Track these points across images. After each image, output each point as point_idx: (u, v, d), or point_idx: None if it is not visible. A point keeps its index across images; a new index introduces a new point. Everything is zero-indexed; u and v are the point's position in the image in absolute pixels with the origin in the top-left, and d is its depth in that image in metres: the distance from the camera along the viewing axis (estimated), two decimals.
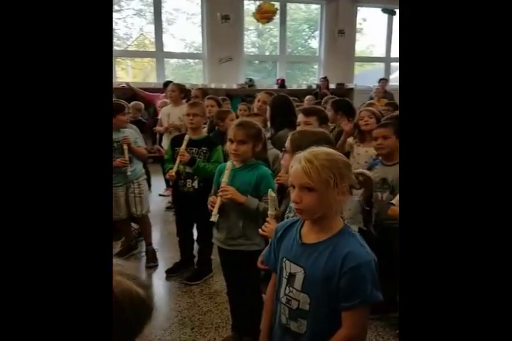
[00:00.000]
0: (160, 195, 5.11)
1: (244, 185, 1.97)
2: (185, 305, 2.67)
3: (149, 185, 4.94)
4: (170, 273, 3.02)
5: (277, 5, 7.94)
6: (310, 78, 8.90)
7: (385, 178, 2.39)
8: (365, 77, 8.95)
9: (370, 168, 2.61)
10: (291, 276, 1.15)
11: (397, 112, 3.51)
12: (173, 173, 2.78)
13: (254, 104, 3.70)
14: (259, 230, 1.65)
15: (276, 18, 7.85)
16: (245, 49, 8.49)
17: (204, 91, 4.71)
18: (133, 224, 3.53)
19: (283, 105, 2.85)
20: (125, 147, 3.00)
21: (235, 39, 7.74)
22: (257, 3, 7.36)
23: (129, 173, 3.04)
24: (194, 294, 2.79)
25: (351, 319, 1.05)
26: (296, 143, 1.58)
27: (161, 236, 3.88)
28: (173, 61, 8.45)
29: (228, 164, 2.00)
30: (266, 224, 1.61)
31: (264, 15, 6.71)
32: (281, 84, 7.88)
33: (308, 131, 1.71)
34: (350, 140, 3.06)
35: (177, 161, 2.82)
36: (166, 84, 6.38)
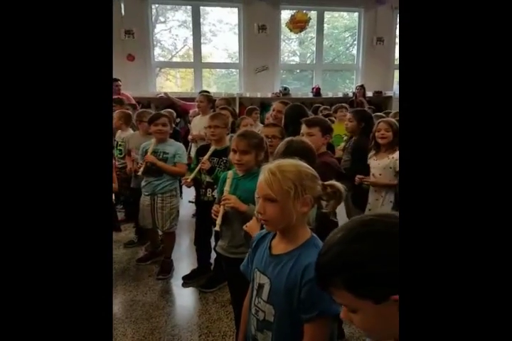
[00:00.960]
0: (189, 201, 5.22)
1: (247, 193, 1.98)
2: (197, 312, 2.70)
3: (181, 193, 5.10)
4: (187, 280, 3.07)
5: (314, 13, 8.00)
6: (350, 86, 8.79)
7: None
8: None
9: None
10: (260, 287, 1.15)
11: None
12: (189, 180, 2.85)
13: (269, 114, 3.72)
14: (244, 226, 1.68)
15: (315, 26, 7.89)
16: (286, 57, 8.57)
17: (227, 101, 4.71)
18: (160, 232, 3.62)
19: (297, 114, 2.84)
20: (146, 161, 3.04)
21: (271, 48, 7.81)
22: (293, 12, 7.40)
23: (143, 183, 3.11)
24: (207, 301, 2.82)
25: (311, 331, 1.04)
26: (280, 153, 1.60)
27: (184, 243, 3.96)
28: (216, 71, 8.71)
29: (229, 173, 2.03)
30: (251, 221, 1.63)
31: (297, 24, 6.75)
32: (317, 92, 7.84)
33: (296, 140, 1.72)
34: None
35: (196, 169, 2.90)
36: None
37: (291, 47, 9.22)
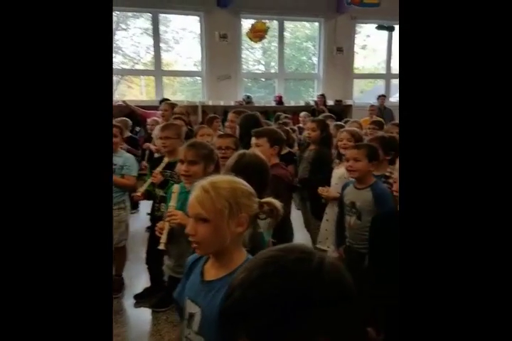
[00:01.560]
0: (148, 213, 5.04)
1: None
2: (147, 332, 2.56)
3: (136, 205, 4.91)
4: (138, 299, 2.92)
5: (275, 23, 8.04)
6: (312, 95, 8.87)
7: (354, 202, 2.30)
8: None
9: (343, 189, 2.53)
10: (191, 317, 1.06)
11: (379, 133, 3.38)
12: (139, 193, 2.71)
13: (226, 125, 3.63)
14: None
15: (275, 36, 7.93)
16: (251, 66, 8.55)
17: (172, 107, 4.40)
18: None
19: (251, 124, 2.77)
20: None
21: (233, 57, 7.78)
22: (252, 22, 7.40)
23: None
24: (159, 321, 2.68)
25: None
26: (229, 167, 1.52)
27: (138, 258, 3.79)
28: (181, 79, 8.56)
29: (175, 187, 1.93)
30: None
31: (257, 33, 6.75)
32: (279, 101, 7.85)
33: (248, 154, 1.65)
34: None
35: (147, 182, 2.77)
36: (161, 101, 6.47)
37: (256, 56, 9.24)
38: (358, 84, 9.34)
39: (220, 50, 7.62)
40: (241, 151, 1.75)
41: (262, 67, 9.16)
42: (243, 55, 8.27)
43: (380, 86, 9.29)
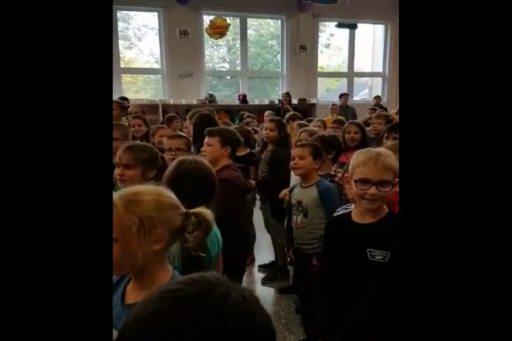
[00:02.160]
0: None
1: None
2: None
3: None
4: None
5: (237, 20, 7.93)
6: (277, 94, 8.83)
7: (300, 201, 2.28)
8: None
9: (291, 191, 2.48)
10: None
11: (321, 132, 3.34)
12: None
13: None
14: None
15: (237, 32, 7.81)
16: (216, 64, 8.40)
17: (121, 106, 4.14)
18: None
19: (204, 124, 2.66)
20: None
21: (195, 54, 7.61)
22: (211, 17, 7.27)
23: None
24: None
25: None
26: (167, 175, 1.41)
27: None
28: (144, 76, 8.31)
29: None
30: None
31: (216, 30, 6.62)
32: (243, 99, 7.75)
33: (188, 161, 1.54)
34: None
35: None
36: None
37: (220, 54, 9.10)
38: (325, 83, 9.39)
39: (181, 47, 7.43)
40: (181, 158, 1.63)
41: (227, 65, 9.04)
42: (207, 53, 8.12)
43: (345, 84, 9.39)
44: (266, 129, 3.24)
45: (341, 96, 7.68)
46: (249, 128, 3.50)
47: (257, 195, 3.48)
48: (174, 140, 2.47)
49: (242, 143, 2.41)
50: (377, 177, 1.39)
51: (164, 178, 1.51)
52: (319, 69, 8.92)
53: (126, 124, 3.10)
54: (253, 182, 3.29)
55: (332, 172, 2.55)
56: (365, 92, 9.63)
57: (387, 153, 1.49)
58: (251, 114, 6.15)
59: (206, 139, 2.14)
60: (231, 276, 2.13)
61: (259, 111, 7.30)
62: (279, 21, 8.28)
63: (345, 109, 7.50)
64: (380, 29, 8.90)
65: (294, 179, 2.79)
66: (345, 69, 9.02)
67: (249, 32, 9.05)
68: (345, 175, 1.50)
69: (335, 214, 1.85)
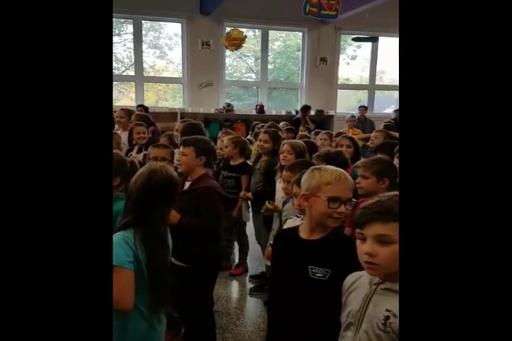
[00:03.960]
0: None
1: None
2: None
3: None
4: None
5: (258, 32, 8.05)
6: (295, 105, 8.84)
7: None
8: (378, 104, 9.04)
9: (284, 204, 2.47)
10: None
11: (327, 148, 3.30)
12: None
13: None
14: None
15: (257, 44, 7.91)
16: (242, 74, 8.55)
17: (129, 112, 4.26)
18: None
19: (192, 133, 2.71)
20: None
21: (215, 65, 7.76)
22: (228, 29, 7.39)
23: None
24: None
25: None
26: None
27: None
28: (173, 85, 8.50)
29: None
30: None
31: (233, 42, 6.73)
32: (260, 109, 7.81)
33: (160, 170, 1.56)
34: None
35: None
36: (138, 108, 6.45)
37: (248, 64, 9.22)
38: (356, 95, 9.29)
39: (203, 58, 7.60)
40: (152, 167, 1.63)
41: (253, 76, 9.09)
42: (234, 63, 8.24)
43: (380, 96, 9.29)
44: (260, 141, 3.27)
45: (359, 108, 7.61)
46: (245, 138, 3.53)
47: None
48: (160, 149, 2.53)
49: (215, 153, 2.42)
50: (346, 195, 1.41)
51: (132, 184, 1.51)
52: (344, 81, 8.90)
53: (117, 133, 3.19)
54: (249, 194, 3.32)
55: None
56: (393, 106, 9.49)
57: (343, 170, 1.49)
58: (264, 124, 6.19)
59: (181, 149, 2.18)
60: (203, 284, 2.15)
61: (276, 121, 7.32)
62: (300, 33, 8.32)
63: (363, 121, 7.43)
64: None
65: (280, 191, 2.79)
66: (379, 81, 8.95)
67: (276, 43, 9.19)
68: (303, 192, 1.48)
69: (287, 221, 1.84)
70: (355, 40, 8.09)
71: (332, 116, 7.96)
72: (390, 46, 8.93)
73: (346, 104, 8.96)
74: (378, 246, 1.03)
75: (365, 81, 9.07)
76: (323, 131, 4.65)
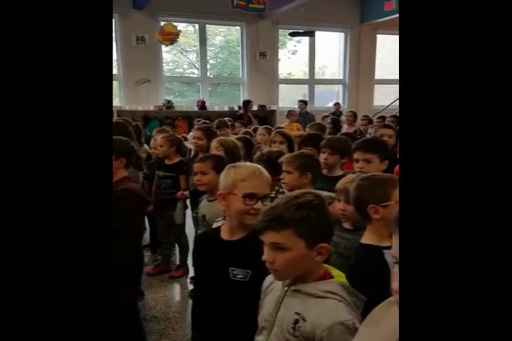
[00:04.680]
0: None
1: None
2: None
3: None
4: None
5: (197, 26, 7.90)
6: (237, 100, 8.78)
7: (205, 215, 2.21)
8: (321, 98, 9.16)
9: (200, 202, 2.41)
10: None
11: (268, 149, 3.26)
12: None
13: None
14: None
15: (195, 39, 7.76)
16: (185, 70, 8.36)
17: None
18: None
19: (117, 132, 2.56)
20: None
21: (153, 60, 7.52)
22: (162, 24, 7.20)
23: None
24: None
25: None
26: None
27: None
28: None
29: None
30: None
31: (166, 37, 6.55)
32: (202, 105, 7.69)
33: None
34: None
35: None
36: None
37: (190, 60, 9.00)
38: (301, 89, 9.37)
39: (138, 53, 7.33)
40: None
41: (196, 71, 8.89)
42: (175, 58, 8.02)
43: (322, 90, 9.45)
44: (194, 138, 3.17)
45: (299, 102, 7.70)
46: (180, 136, 3.43)
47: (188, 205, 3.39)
48: None
49: (136, 152, 2.31)
50: (263, 191, 1.37)
51: None
52: (287, 76, 8.95)
53: None
54: (186, 192, 3.22)
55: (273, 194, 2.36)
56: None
57: (258, 166, 1.45)
58: (206, 121, 6.09)
59: None
60: (123, 289, 2.04)
61: (218, 117, 7.23)
62: (238, 28, 8.26)
63: (304, 115, 7.52)
64: (341, 36, 8.99)
65: None
66: (322, 76, 9.09)
67: (218, 38, 9.06)
68: (219, 191, 1.43)
69: (214, 224, 1.79)
70: (292, 34, 8.16)
71: (274, 110, 7.99)
72: (329, 41, 9.12)
73: (291, 98, 9.05)
74: (275, 252, 1.02)
75: (322, 75, 9.22)
76: (261, 127, 4.63)
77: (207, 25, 8.13)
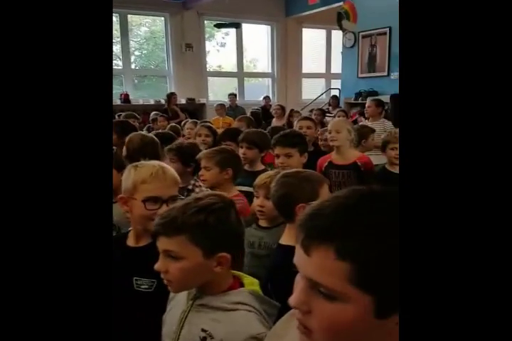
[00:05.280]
0: None
1: None
2: None
3: None
4: None
5: (117, 16, 7.46)
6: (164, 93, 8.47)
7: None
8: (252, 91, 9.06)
9: None
10: None
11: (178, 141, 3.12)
12: None
13: None
14: None
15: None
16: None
17: None
18: None
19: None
20: None
21: None
22: None
23: None
24: None
25: None
26: None
27: None
28: None
29: None
30: None
31: None
32: (125, 98, 7.31)
33: None
34: None
35: None
36: None
37: (114, 51, 8.47)
38: (232, 82, 9.20)
39: None
40: None
41: (120, 63, 8.39)
42: None
43: (254, 84, 9.38)
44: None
45: (229, 96, 7.61)
46: None
47: None
48: None
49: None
50: (167, 193, 1.24)
51: None
52: (216, 69, 8.79)
53: None
54: None
55: (190, 187, 2.17)
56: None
57: (164, 164, 1.33)
58: (134, 113, 5.78)
59: None
60: None
61: (144, 111, 6.93)
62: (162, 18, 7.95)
63: (234, 108, 7.44)
64: (268, 30, 9.00)
65: None
66: (253, 69, 9.01)
67: (142, 29, 8.63)
68: (120, 195, 1.29)
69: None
70: (217, 26, 8.01)
71: (203, 104, 7.82)
72: (258, 34, 9.08)
73: (224, 92, 8.88)
74: (168, 261, 0.92)
75: (254, 68, 9.14)
76: (190, 120, 4.49)
77: (129, 16, 7.73)
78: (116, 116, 5.69)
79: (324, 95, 8.77)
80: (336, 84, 8.33)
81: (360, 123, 3.91)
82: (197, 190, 2.13)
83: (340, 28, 6.82)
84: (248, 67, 9.30)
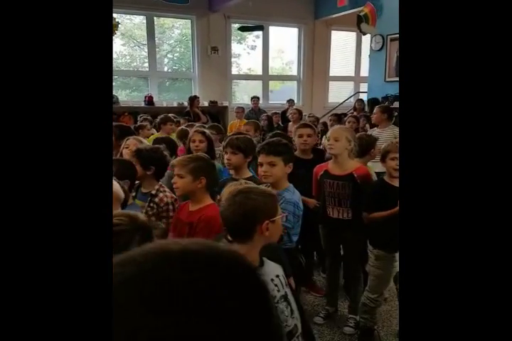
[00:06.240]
0: None
1: None
2: None
3: None
4: None
5: (144, 19, 7.57)
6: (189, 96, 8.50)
7: None
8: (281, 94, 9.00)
9: None
10: None
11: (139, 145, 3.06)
12: None
13: None
14: None
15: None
16: (138, 64, 8.05)
17: None
18: None
19: None
20: None
21: None
22: None
23: None
24: None
25: None
26: None
27: None
28: None
29: None
30: None
31: None
32: (149, 101, 7.38)
33: None
34: None
35: None
36: None
37: (144, 54, 8.64)
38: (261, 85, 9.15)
39: None
40: None
41: (146, 65, 8.52)
42: (125, 53, 7.68)
43: (287, 86, 9.29)
44: None
45: (252, 99, 7.53)
46: None
47: None
48: None
49: None
50: None
51: None
52: (247, 72, 8.75)
53: None
54: None
55: (153, 192, 2.15)
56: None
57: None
58: (148, 117, 5.83)
59: None
60: None
61: (168, 112, 6.97)
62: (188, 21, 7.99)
63: (256, 112, 7.36)
64: (296, 32, 8.86)
65: None
66: (287, 73, 8.93)
67: (176, 31, 8.73)
68: None
69: None
70: (241, 29, 7.94)
71: (226, 107, 7.79)
72: (288, 36, 8.96)
73: (251, 95, 8.79)
74: None
75: (272, 71, 9.03)
76: (197, 124, 4.46)
77: (162, 19, 7.83)
78: (139, 118, 5.75)
79: (352, 98, 8.53)
80: (366, 87, 8.09)
81: (369, 131, 3.73)
82: (161, 195, 2.07)
83: (360, 30, 6.64)
84: (284, 70, 9.21)
